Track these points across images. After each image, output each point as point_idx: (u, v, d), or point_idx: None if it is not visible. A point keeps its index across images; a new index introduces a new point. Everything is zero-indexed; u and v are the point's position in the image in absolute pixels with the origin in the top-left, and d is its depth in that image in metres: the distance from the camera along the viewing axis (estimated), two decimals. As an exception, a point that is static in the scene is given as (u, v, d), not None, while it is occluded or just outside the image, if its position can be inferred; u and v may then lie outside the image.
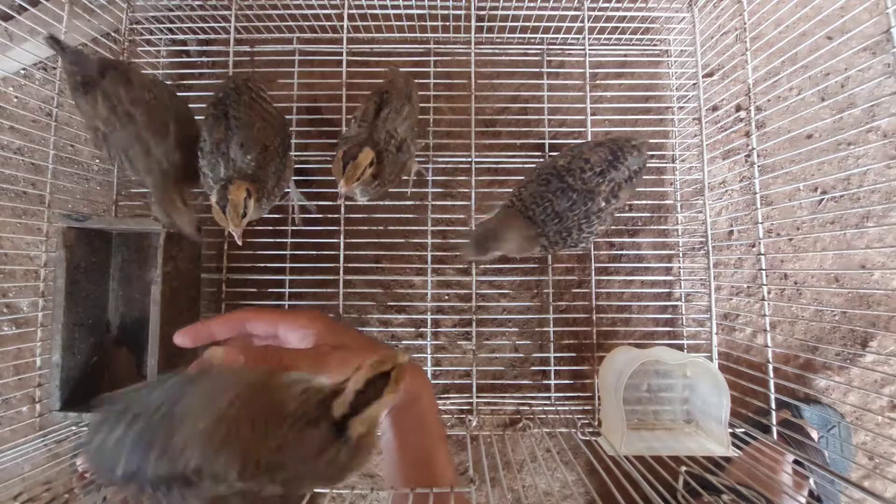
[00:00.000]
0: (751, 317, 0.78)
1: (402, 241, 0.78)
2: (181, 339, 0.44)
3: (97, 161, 0.78)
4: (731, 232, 0.79)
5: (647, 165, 0.77)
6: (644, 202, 0.79)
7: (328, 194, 0.74)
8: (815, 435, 0.70)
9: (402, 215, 0.76)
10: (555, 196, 0.58)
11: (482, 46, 0.79)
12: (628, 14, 0.73)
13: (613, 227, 0.79)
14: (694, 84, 0.75)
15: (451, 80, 0.79)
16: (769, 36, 0.66)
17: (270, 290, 0.74)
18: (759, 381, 0.64)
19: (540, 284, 0.78)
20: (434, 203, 0.75)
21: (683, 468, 0.56)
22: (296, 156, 0.75)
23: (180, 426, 0.25)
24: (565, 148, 0.65)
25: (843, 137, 0.78)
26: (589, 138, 0.73)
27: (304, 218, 0.75)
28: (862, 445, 0.76)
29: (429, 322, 0.75)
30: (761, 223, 0.67)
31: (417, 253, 0.78)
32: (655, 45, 0.80)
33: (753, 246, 0.71)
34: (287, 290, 0.73)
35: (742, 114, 0.76)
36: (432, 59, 0.79)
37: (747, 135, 0.68)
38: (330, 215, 0.73)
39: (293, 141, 0.75)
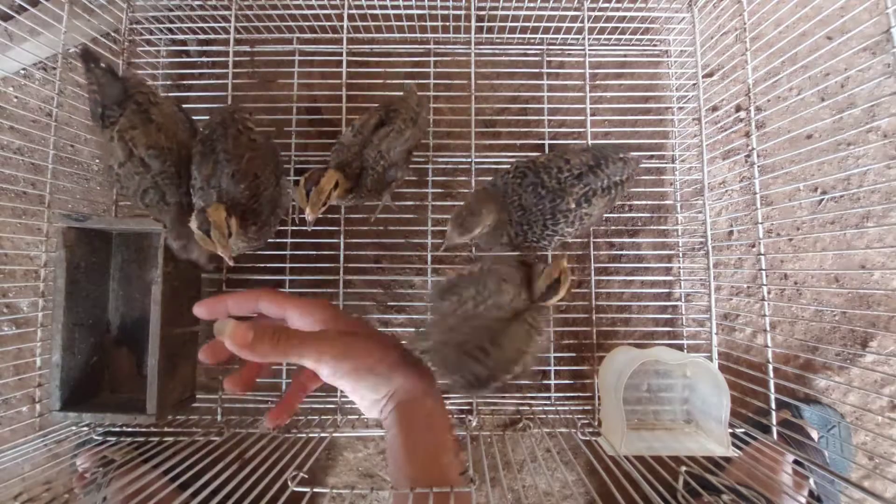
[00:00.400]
0: (751, 317, 0.78)
1: (402, 241, 0.78)
2: (199, 310, 0.48)
3: (97, 161, 0.78)
4: (731, 232, 0.79)
5: (647, 165, 0.78)
6: (644, 202, 0.79)
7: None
8: (815, 435, 0.70)
9: (402, 215, 0.76)
10: (524, 190, 0.57)
11: (482, 46, 0.79)
12: (628, 14, 0.73)
13: (613, 228, 0.79)
14: (694, 84, 0.75)
15: (451, 81, 0.79)
16: (769, 36, 0.66)
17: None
18: (759, 381, 0.64)
19: (540, 284, 0.77)
20: (434, 203, 0.75)
21: (683, 468, 0.56)
22: (296, 156, 0.75)
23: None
24: (558, 148, 0.64)
25: (843, 137, 0.78)
26: (589, 138, 0.73)
27: (304, 218, 0.75)
28: (862, 445, 0.76)
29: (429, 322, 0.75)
30: (761, 223, 0.67)
31: (417, 253, 0.78)
32: (655, 45, 0.80)
33: (753, 246, 0.71)
34: (287, 290, 0.73)
35: (742, 114, 0.76)
36: (432, 59, 0.79)
37: (747, 135, 0.68)
38: (330, 215, 0.73)
39: (293, 141, 0.75)
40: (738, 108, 0.77)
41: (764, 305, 0.67)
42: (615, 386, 0.64)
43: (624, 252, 0.79)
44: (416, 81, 0.78)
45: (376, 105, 0.65)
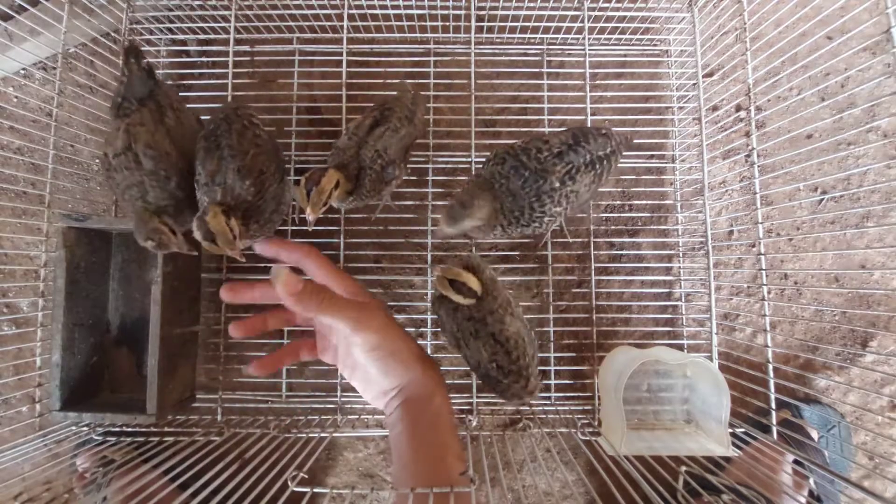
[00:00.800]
0: (751, 317, 0.78)
1: (402, 241, 0.78)
2: (261, 247, 0.51)
3: (97, 161, 0.78)
4: (731, 232, 0.79)
5: (647, 165, 0.78)
6: (644, 202, 0.79)
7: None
8: (815, 435, 0.70)
9: (402, 215, 0.76)
10: (508, 175, 0.57)
11: (482, 46, 0.79)
12: (628, 14, 0.73)
13: (613, 227, 0.79)
14: (694, 84, 0.75)
15: (451, 80, 0.79)
16: (769, 36, 0.66)
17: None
18: (759, 381, 0.64)
19: (540, 284, 0.78)
20: (434, 203, 0.75)
21: (683, 468, 0.56)
22: (296, 156, 0.75)
23: None
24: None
25: (843, 137, 0.78)
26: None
27: (305, 218, 0.75)
28: (862, 445, 0.76)
29: (429, 322, 0.75)
30: (761, 223, 0.67)
31: (417, 253, 0.78)
32: (655, 45, 0.80)
33: (753, 246, 0.71)
34: (287, 290, 0.73)
35: (742, 114, 0.76)
36: (432, 59, 0.79)
37: (747, 135, 0.68)
38: (330, 216, 0.73)
39: (293, 141, 0.75)
40: (738, 108, 0.77)
41: (764, 305, 0.67)
42: (615, 386, 0.64)
43: (624, 252, 0.79)
44: (416, 81, 0.78)
45: (371, 105, 0.65)
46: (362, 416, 0.74)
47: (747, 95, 0.66)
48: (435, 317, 0.76)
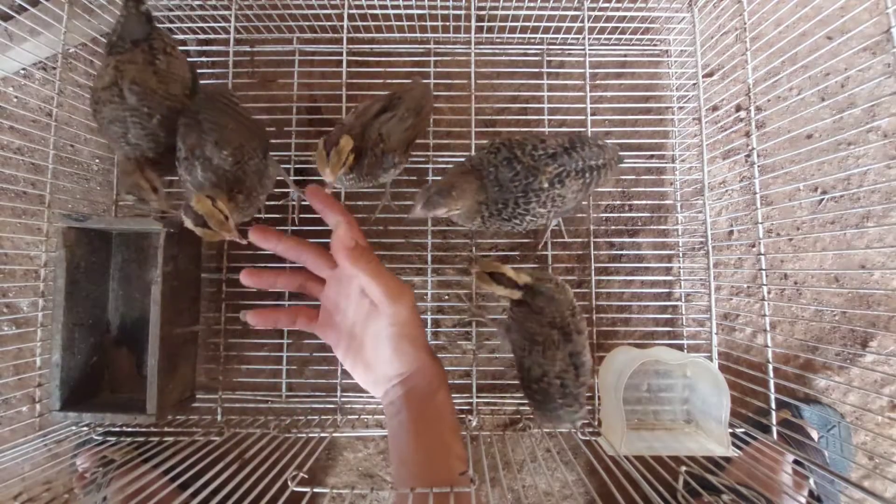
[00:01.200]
0: (751, 317, 0.78)
1: (402, 241, 0.78)
2: (312, 191, 0.50)
3: (97, 161, 0.78)
4: (731, 232, 0.79)
5: (647, 165, 0.78)
6: (644, 202, 0.79)
7: (329, 195, 0.73)
8: (815, 435, 0.70)
9: (403, 215, 0.76)
10: (500, 165, 0.57)
11: (482, 46, 0.79)
12: (628, 14, 0.73)
13: (613, 228, 0.79)
14: (694, 84, 0.75)
15: (451, 80, 0.79)
16: (769, 36, 0.66)
17: (270, 289, 0.74)
18: (759, 381, 0.64)
19: (540, 284, 0.77)
20: (434, 203, 0.75)
21: (683, 468, 0.56)
22: (296, 156, 0.75)
23: None
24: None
25: (843, 137, 0.78)
26: (589, 138, 0.73)
27: (304, 218, 0.75)
28: (862, 445, 0.76)
29: (429, 322, 0.75)
30: (761, 223, 0.67)
31: (417, 253, 0.78)
32: (655, 45, 0.80)
33: (753, 246, 0.71)
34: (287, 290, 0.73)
35: (742, 114, 0.76)
36: (432, 59, 0.79)
37: (747, 135, 0.68)
38: (330, 215, 0.73)
39: (293, 141, 0.75)
40: (738, 108, 0.77)
41: (764, 305, 0.67)
42: (615, 386, 0.64)
43: (624, 252, 0.79)
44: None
45: (378, 93, 0.65)
46: (362, 416, 0.74)
47: (747, 95, 0.66)
48: (436, 317, 0.76)
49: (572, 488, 0.77)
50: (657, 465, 0.54)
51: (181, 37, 0.80)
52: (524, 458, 0.77)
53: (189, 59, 0.80)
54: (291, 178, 0.75)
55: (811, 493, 0.63)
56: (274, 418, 0.71)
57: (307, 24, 0.76)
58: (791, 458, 0.62)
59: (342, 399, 0.73)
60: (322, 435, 0.67)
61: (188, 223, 0.54)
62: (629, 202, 0.79)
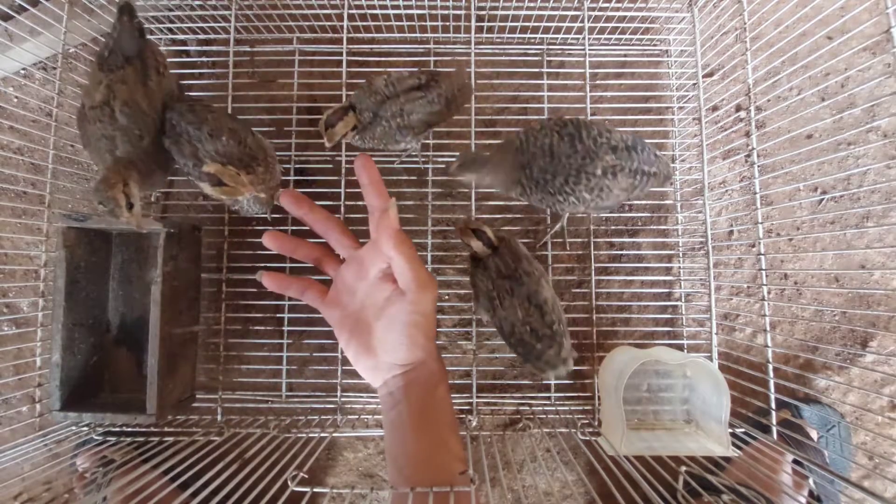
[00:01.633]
0: (751, 317, 0.78)
1: (402, 241, 0.78)
2: (362, 162, 0.48)
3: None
4: (731, 232, 0.79)
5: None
6: (644, 202, 0.79)
7: (329, 195, 0.74)
8: (814, 435, 0.70)
9: (403, 215, 0.76)
10: (562, 138, 0.57)
11: (482, 46, 0.79)
12: (628, 14, 0.73)
13: (613, 228, 0.79)
14: (694, 84, 0.75)
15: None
16: (769, 36, 0.66)
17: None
18: (759, 381, 0.64)
19: (540, 284, 0.77)
20: (434, 203, 0.75)
21: (683, 468, 0.56)
22: (296, 156, 0.75)
23: None
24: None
25: (843, 137, 0.78)
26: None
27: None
28: (862, 445, 0.76)
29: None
30: (761, 223, 0.67)
31: (417, 253, 0.78)
32: (655, 45, 0.80)
33: (753, 246, 0.71)
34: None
35: (742, 114, 0.76)
36: (432, 59, 0.79)
37: (747, 135, 0.68)
38: (330, 215, 0.73)
39: (293, 141, 0.75)
40: (738, 108, 0.77)
41: (764, 305, 0.67)
42: (615, 386, 0.64)
43: (624, 252, 0.79)
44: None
45: (421, 69, 0.66)
46: (362, 416, 0.74)
47: (747, 95, 0.66)
48: (437, 316, 0.76)
49: (572, 488, 0.77)
50: (657, 465, 0.54)
51: (181, 37, 0.80)
52: (524, 458, 0.77)
53: (189, 59, 0.80)
54: (292, 177, 0.75)
55: (811, 493, 0.63)
56: (274, 418, 0.71)
57: (307, 24, 0.76)
58: (791, 458, 0.62)
59: (342, 399, 0.73)
60: (322, 435, 0.67)
61: (206, 188, 0.56)
62: (629, 202, 0.79)
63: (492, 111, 0.80)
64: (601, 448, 0.66)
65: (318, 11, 0.73)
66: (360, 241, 0.52)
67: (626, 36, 0.78)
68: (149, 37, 0.62)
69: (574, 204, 0.60)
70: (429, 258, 0.75)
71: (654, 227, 0.79)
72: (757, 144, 0.67)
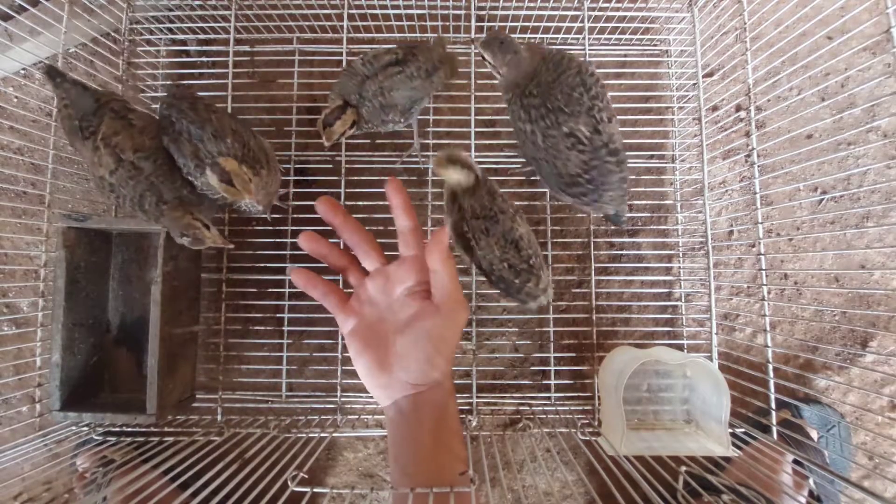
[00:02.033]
0: (751, 317, 0.78)
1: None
2: (396, 191, 0.47)
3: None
4: (731, 232, 0.79)
5: (647, 165, 0.78)
6: (644, 202, 0.79)
7: (329, 194, 0.73)
8: (814, 435, 0.70)
9: (402, 215, 0.76)
10: (569, 77, 0.56)
11: (482, 46, 0.79)
12: (628, 14, 0.73)
13: (613, 227, 0.79)
14: (694, 84, 0.75)
15: (452, 81, 0.79)
16: (769, 36, 0.66)
17: (270, 290, 0.74)
18: (759, 381, 0.64)
19: (540, 284, 0.77)
20: (434, 203, 0.75)
21: (683, 468, 0.56)
22: (296, 156, 0.75)
23: None
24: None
25: (843, 137, 0.78)
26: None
27: (302, 221, 0.75)
28: (862, 445, 0.76)
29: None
30: (761, 223, 0.67)
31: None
32: (655, 45, 0.80)
33: (753, 246, 0.71)
34: (287, 289, 0.73)
35: (742, 114, 0.76)
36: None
37: (747, 135, 0.68)
38: (330, 215, 0.73)
39: (293, 141, 0.75)
40: (738, 108, 0.77)
41: (764, 305, 0.67)
42: (615, 386, 0.64)
43: (624, 252, 0.79)
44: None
45: (399, 44, 0.65)
46: (362, 417, 0.74)
47: (747, 95, 0.66)
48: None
49: (572, 488, 0.77)
50: (657, 465, 0.54)
51: (181, 37, 0.80)
52: (524, 458, 0.77)
53: (189, 59, 0.80)
54: (292, 177, 0.75)
55: (811, 493, 0.63)
56: (274, 418, 0.71)
57: (307, 24, 0.76)
58: (791, 458, 0.62)
59: (342, 399, 0.73)
60: (322, 435, 0.67)
61: (213, 179, 0.56)
62: (629, 202, 0.79)
63: (492, 111, 0.80)
64: (601, 448, 0.66)
65: (318, 11, 0.73)
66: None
67: (626, 36, 0.78)
68: (89, 85, 0.60)
69: (569, 138, 0.57)
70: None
71: (654, 227, 0.79)
72: (757, 144, 0.67)
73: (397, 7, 0.72)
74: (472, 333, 0.75)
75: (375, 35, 0.78)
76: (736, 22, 0.66)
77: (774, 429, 0.64)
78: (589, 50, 0.74)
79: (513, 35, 0.77)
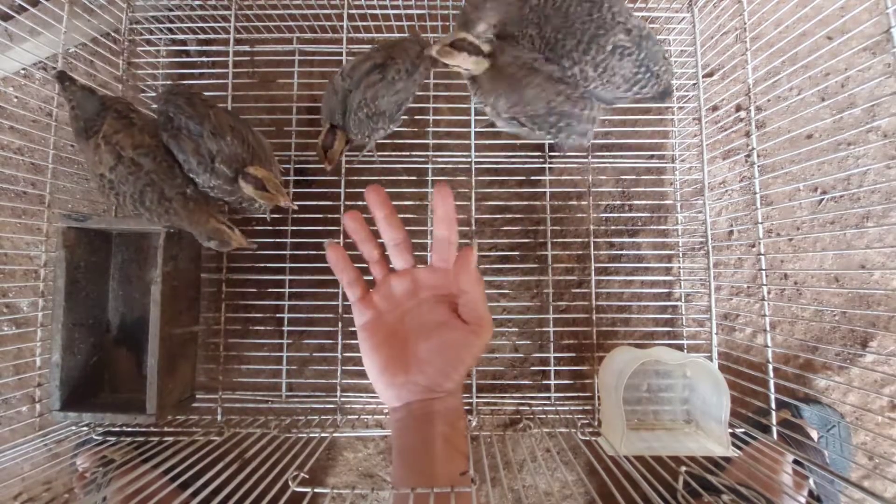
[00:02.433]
0: (751, 317, 0.78)
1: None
2: (442, 198, 0.45)
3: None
4: (731, 232, 0.79)
5: (647, 165, 0.78)
6: (644, 202, 0.79)
7: (329, 194, 0.74)
8: (814, 435, 0.70)
9: (403, 215, 0.76)
10: (580, 2, 0.55)
11: (482, 46, 0.79)
12: (628, 14, 0.73)
13: (613, 227, 0.79)
14: (694, 84, 0.75)
15: (451, 80, 0.79)
16: (769, 36, 0.66)
17: (270, 290, 0.74)
18: (759, 381, 0.64)
19: (540, 284, 0.78)
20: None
21: (683, 468, 0.56)
22: (296, 156, 0.75)
23: None
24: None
25: (843, 137, 0.78)
26: (589, 138, 0.73)
27: (301, 217, 0.75)
28: (862, 445, 0.76)
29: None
30: (761, 223, 0.67)
31: (417, 253, 0.78)
32: (655, 45, 0.80)
33: (753, 246, 0.71)
34: (287, 290, 0.73)
35: (742, 114, 0.76)
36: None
37: (747, 135, 0.68)
38: (330, 215, 0.73)
39: (293, 141, 0.75)
40: (738, 108, 0.77)
41: (764, 305, 0.67)
42: (615, 386, 0.64)
43: (624, 252, 0.79)
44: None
45: (374, 46, 0.64)
46: (362, 416, 0.74)
47: (747, 95, 0.66)
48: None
49: (572, 488, 0.77)
50: (657, 465, 0.54)
51: (181, 37, 0.80)
52: (524, 458, 0.77)
53: (189, 59, 0.80)
54: (292, 177, 0.75)
55: (811, 493, 0.63)
56: (274, 418, 0.71)
57: (307, 24, 0.76)
58: (791, 458, 0.62)
59: (342, 399, 0.73)
60: (322, 435, 0.67)
61: (248, 189, 0.57)
62: (629, 202, 0.79)
63: (492, 111, 0.80)
64: (601, 448, 0.66)
65: (318, 11, 0.73)
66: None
67: (626, 36, 0.78)
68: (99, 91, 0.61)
69: (575, 77, 0.57)
70: (429, 258, 0.75)
71: (654, 228, 0.79)
72: (757, 144, 0.67)
73: (397, 7, 0.72)
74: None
75: (375, 35, 0.78)
76: (736, 22, 0.66)
77: (774, 429, 0.64)
78: (589, 50, 0.74)
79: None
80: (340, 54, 0.75)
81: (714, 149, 0.78)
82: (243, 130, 0.60)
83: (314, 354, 0.77)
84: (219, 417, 0.72)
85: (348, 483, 0.77)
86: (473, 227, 0.74)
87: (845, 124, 0.78)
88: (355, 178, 0.76)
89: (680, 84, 0.78)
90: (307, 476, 0.45)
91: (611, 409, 0.66)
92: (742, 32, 0.65)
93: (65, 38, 0.70)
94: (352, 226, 0.48)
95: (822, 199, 0.79)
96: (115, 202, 0.59)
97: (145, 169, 0.57)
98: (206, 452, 0.60)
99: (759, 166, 0.68)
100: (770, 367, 0.65)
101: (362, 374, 0.59)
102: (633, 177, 0.79)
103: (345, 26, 0.74)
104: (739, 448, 0.64)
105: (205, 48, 0.80)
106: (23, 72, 0.80)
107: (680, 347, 0.75)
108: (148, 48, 0.78)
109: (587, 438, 0.68)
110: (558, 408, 0.74)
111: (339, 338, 0.73)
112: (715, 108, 0.78)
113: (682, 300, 0.77)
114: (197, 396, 0.72)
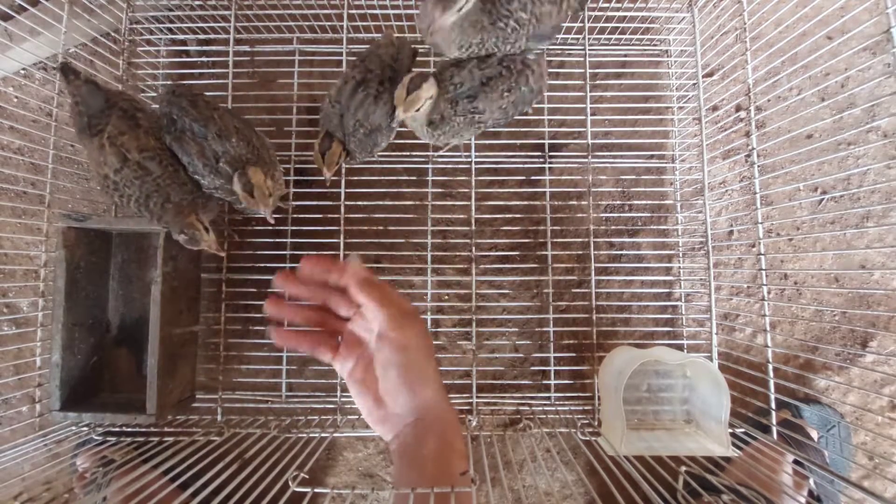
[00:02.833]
0: (751, 317, 0.78)
1: (402, 241, 0.78)
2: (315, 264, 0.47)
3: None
4: (731, 232, 0.79)
5: (647, 165, 0.78)
6: (644, 202, 0.79)
7: (329, 194, 0.74)
8: (814, 435, 0.70)
9: (403, 215, 0.76)
10: None
11: (482, 46, 0.79)
12: (628, 14, 0.73)
13: (613, 227, 0.79)
14: (694, 84, 0.75)
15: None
16: (769, 36, 0.66)
17: (270, 289, 0.74)
18: (759, 381, 0.64)
19: (540, 284, 0.78)
20: (434, 203, 0.75)
21: (683, 468, 0.56)
22: (296, 156, 0.75)
23: None
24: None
25: (843, 137, 0.78)
26: (589, 138, 0.73)
27: (301, 217, 0.75)
28: (862, 445, 0.76)
29: (428, 322, 0.75)
30: (761, 223, 0.67)
31: (417, 253, 0.78)
32: (655, 45, 0.80)
33: (753, 246, 0.71)
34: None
35: (742, 114, 0.76)
36: (432, 59, 0.79)
37: (747, 135, 0.68)
38: (330, 215, 0.73)
39: (293, 141, 0.75)
40: (738, 108, 0.77)
41: (764, 305, 0.67)
42: (615, 386, 0.64)
43: (624, 252, 0.79)
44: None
45: (353, 60, 0.64)
46: (362, 417, 0.74)
47: (747, 95, 0.66)
48: (436, 317, 0.76)
49: (572, 488, 0.77)
50: (657, 465, 0.54)
51: (181, 37, 0.80)
52: (524, 458, 0.77)
53: (189, 59, 0.80)
54: (292, 177, 0.75)
55: (811, 493, 0.63)
56: (274, 418, 0.71)
57: (307, 24, 0.76)
58: (791, 458, 0.62)
59: (342, 399, 0.73)
60: (322, 435, 0.67)
61: (237, 186, 0.57)
62: (629, 202, 0.79)
63: (492, 111, 0.80)
64: (601, 448, 0.66)
65: (318, 11, 0.73)
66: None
67: (626, 36, 0.78)
68: (103, 85, 0.60)
69: (515, 28, 0.57)
70: (429, 258, 0.75)
71: (654, 227, 0.79)
72: (757, 144, 0.67)
73: (397, 7, 0.72)
74: (472, 333, 0.75)
75: (375, 35, 0.78)
76: (736, 22, 0.66)
77: (774, 429, 0.64)
78: (589, 50, 0.74)
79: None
80: (340, 54, 0.75)
81: (714, 149, 0.78)
82: (248, 132, 0.60)
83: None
84: (219, 417, 0.72)
85: (348, 483, 0.77)
86: (473, 227, 0.74)
87: (845, 124, 0.78)
88: (355, 178, 0.76)
89: (680, 84, 0.78)
90: (307, 476, 0.45)
91: (611, 409, 0.66)
92: (742, 32, 0.65)
93: (65, 38, 0.70)
94: (294, 291, 0.48)
95: (823, 199, 0.79)
96: (118, 202, 0.59)
97: (154, 175, 0.57)
98: (206, 452, 0.60)
99: (759, 166, 0.68)
100: (770, 367, 0.65)
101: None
102: (633, 177, 0.79)
103: (345, 26, 0.74)
104: (739, 448, 0.64)
105: (205, 48, 0.80)
106: (23, 72, 0.80)
107: (680, 347, 0.75)
108: (148, 48, 0.78)
109: (587, 438, 0.68)
110: (558, 408, 0.74)
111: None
112: (715, 108, 0.78)
113: (682, 300, 0.77)
114: (197, 396, 0.72)
